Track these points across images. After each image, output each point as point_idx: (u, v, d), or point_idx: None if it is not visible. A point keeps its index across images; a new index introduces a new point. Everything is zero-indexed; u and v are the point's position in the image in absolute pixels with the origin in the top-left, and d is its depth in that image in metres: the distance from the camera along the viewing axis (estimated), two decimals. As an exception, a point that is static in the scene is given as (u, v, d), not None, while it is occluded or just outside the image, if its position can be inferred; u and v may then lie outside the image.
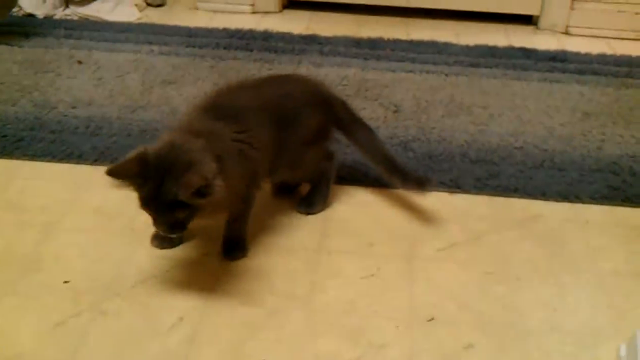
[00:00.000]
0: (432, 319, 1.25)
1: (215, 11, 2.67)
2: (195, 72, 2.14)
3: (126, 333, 1.20)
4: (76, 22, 2.51)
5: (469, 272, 1.36)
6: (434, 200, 1.55)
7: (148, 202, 1.16)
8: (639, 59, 2.29)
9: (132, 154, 1.17)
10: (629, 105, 2.00)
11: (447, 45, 2.37)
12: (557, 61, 2.27)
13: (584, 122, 1.91)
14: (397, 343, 1.19)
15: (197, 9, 2.70)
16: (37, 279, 1.32)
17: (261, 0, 2.66)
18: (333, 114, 1.49)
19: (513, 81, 2.12)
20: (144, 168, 1.15)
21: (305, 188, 1.56)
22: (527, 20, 2.63)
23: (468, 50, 2.34)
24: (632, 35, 2.49)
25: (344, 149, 1.62)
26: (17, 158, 1.68)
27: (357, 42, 2.38)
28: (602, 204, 1.57)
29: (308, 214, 1.52)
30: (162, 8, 2.73)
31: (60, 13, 2.58)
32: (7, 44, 2.28)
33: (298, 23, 2.58)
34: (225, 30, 2.44)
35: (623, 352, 1.13)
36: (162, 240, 1.39)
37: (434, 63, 2.23)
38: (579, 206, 1.56)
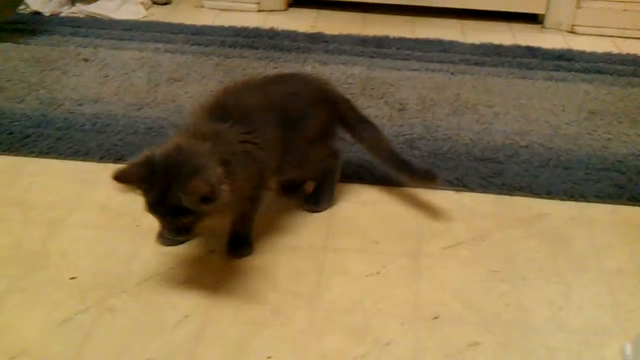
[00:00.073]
0: (437, 316, 1.25)
1: (221, 9, 2.68)
2: (200, 70, 2.14)
3: (132, 330, 1.21)
4: (82, 20, 2.52)
5: (475, 270, 1.36)
6: (439, 198, 1.55)
7: (154, 207, 1.16)
8: (645, 58, 2.29)
9: (138, 158, 1.17)
10: (634, 104, 2.00)
11: (452, 43, 2.37)
12: (563, 60, 2.27)
13: (589, 120, 1.90)
14: (403, 341, 1.19)
15: (202, 7, 2.71)
16: (44, 276, 1.32)
17: (267, -2, 2.67)
18: (338, 112, 1.49)
19: (519, 80, 2.12)
20: (151, 173, 1.14)
21: (309, 186, 1.57)
22: (532, 18, 2.63)
23: (474, 48, 2.34)
24: (638, 34, 2.49)
25: (349, 147, 1.63)
26: (24, 155, 1.69)
27: (363, 41, 2.38)
28: (607, 202, 1.57)
29: (313, 212, 1.52)
30: (168, 6, 2.74)
31: (66, 11, 2.59)
32: (13, 41, 2.29)
33: (303, 21, 2.58)
34: (230, 28, 2.44)
35: (628, 350, 1.13)
36: (167, 238, 1.39)
37: (440, 61, 2.23)
38: (584, 205, 1.56)
